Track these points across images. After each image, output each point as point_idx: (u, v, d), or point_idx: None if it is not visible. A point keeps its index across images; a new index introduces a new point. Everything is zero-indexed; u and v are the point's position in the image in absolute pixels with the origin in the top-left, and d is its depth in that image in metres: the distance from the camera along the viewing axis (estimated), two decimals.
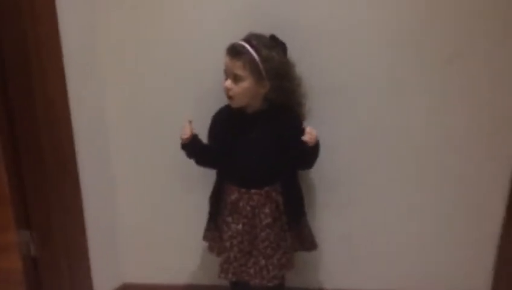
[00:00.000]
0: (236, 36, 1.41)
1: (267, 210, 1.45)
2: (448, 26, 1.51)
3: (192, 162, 1.53)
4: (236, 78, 1.37)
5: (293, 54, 1.45)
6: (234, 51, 1.36)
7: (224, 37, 1.45)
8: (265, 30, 1.42)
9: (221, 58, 1.44)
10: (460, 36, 1.52)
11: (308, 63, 1.52)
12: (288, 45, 1.43)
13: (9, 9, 1.44)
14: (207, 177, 1.57)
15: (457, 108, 1.59)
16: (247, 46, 1.36)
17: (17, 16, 1.44)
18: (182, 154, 1.55)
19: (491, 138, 1.61)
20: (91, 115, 1.65)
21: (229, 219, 1.47)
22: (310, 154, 1.42)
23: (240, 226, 1.46)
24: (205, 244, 1.63)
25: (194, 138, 1.46)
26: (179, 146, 1.51)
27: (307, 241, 1.56)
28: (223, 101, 1.47)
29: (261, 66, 1.36)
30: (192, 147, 1.47)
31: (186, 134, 1.44)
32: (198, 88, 1.60)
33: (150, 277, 1.84)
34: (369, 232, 1.75)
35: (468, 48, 1.52)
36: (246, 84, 1.37)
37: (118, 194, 1.77)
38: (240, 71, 1.36)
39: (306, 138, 1.37)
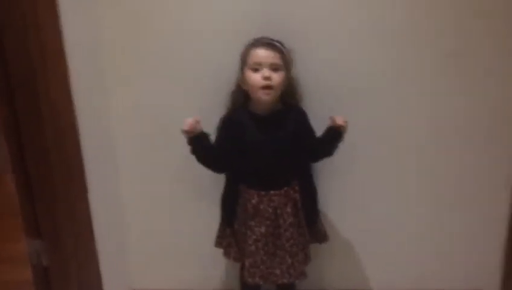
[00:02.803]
0: (244, 38, 1.45)
1: (288, 209, 1.48)
2: (449, 22, 1.53)
3: (200, 167, 1.52)
4: (274, 68, 1.40)
5: (297, 55, 1.49)
6: (268, 43, 1.41)
7: (231, 40, 1.48)
8: (272, 32, 1.45)
9: (228, 61, 1.48)
10: (463, 32, 1.54)
11: (310, 64, 1.54)
12: (291, 46, 1.47)
13: (13, 18, 1.45)
14: (216, 183, 1.58)
15: (461, 103, 1.60)
16: (274, 41, 1.42)
17: (21, 25, 1.46)
18: (190, 159, 1.54)
19: (494, 134, 1.64)
20: (97, 122, 1.65)
21: (252, 223, 1.48)
22: (339, 139, 1.48)
23: (263, 229, 1.47)
24: (214, 250, 1.63)
25: (202, 134, 1.46)
26: (186, 152, 1.50)
27: (319, 234, 1.61)
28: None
29: (287, 58, 1.43)
30: (198, 141, 1.45)
31: (189, 126, 1.42)
32: (206, 92, 1.60)
33: (158, 283, 1.84)
34: (376, 231, 1.76)
35: (474, 41, 1.54)
36: (282, 74, 1.42)
37: (126, 202, 1.76)
38: (277, 60, 1.40)
39: (340, 121, 1.44)
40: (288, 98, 1.50)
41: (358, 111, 1.61)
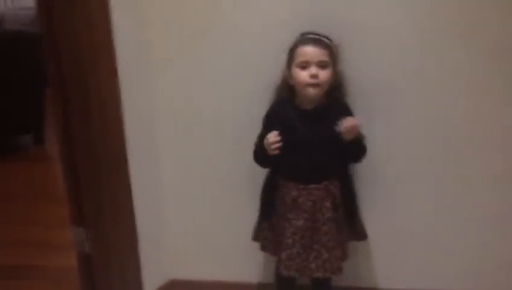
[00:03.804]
0: (290, 32, 1.47)
1: (327, 204, 1.50)
2: (497, 16, 1.51)
3: (239, 161, 1.60)
4: (321, 65, 1.42)
5: (344, 50, 1.51)
6: (317, 40, 1.43)
7: (278, 34, 1.52)
8: (319, 27, 1.47)
9: (274, 55, 1.51)
10: (506, 31, 1.52)
11: (355, 60, 1.55)
12: (338, 40, 1.49)
13: (66, 17, 1.51)
14: (254, 175, 1.61)
15: (508, 101, 1.58)
16: (322, 37, 1.44)
17: (74, 23, 1.51)
18: (229, 154, 1.63)
19: None
20: (142, 117, 1.71)
21: (290, 216, 1.51)
22: (354, 147, 1.47)
23: (301, 222, 1.49)
24: (252, 243, 1.65)
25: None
26: (227, 145, 1.60)
27: (358, 232, 1.62)
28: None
29: (334, 54, 1.45)
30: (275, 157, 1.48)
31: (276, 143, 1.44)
32: (250, 86, 1.64)
33: (196, 274, 1.89)
34: (407, 234, 1.74)
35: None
36: (330, 70, 1.43)
37: (167, 193, 1.82)
38: (325, 58, 1.42)
39: (343, 126, 1.42)
40: (334, 93, 1.51)
41: (403, 109, 1.61)
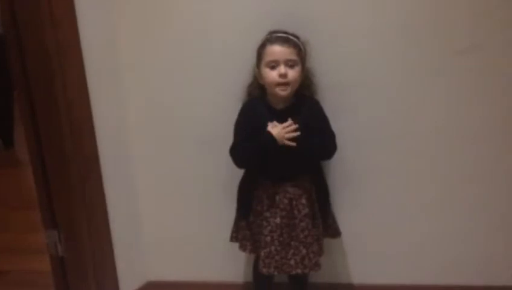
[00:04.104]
0: (260, 31, 1.46)
1: (304, 201, 1.50)
2: (464, 15, 1.52)
3: (215, 161, 1.60)
4: (290, 64, 1.41)
5: (312, 47, 1.50)
6: (285, 39, 1.42)
7: (247, 33, 1.50)
8: (288, 25, 1.46)
9: (243, 59, 1.51)
10: (478, 26, 1.53)
11: (318, 59, 1.54)
12: (306, 37, 1.48)
13: (30, 16, 1.47)
14: (230, 174, 1.60)
15: (473, 101, 1.60)
16: (290, 36, 1.43)
17: (38, 23, 1.47)
18: (205, 154, 1.62)
19: (508, 131, 1.62)
20: (113, 117, 1.68)
21: (268, 214, 1.51)
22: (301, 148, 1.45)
23: (278, 220, 1.50)
24: (231, 242, 1.64)
25: None
26: (199, 146, 1.60)
27: (332, 229, 1.63)
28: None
29: (303, 52, 1.44)
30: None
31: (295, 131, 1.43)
32: (220, 90, 1.63)
33: (174, 274, 1.87)
34: (380, 230, 1.76)
35: (486, 39, 1.53)
36: (299, 69, 1.43)
37: (142, 194, 1.80)
38: (293, 56, 1.41)
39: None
40: (304, 90, 1.51)
41: (373, 106, 1.61)
